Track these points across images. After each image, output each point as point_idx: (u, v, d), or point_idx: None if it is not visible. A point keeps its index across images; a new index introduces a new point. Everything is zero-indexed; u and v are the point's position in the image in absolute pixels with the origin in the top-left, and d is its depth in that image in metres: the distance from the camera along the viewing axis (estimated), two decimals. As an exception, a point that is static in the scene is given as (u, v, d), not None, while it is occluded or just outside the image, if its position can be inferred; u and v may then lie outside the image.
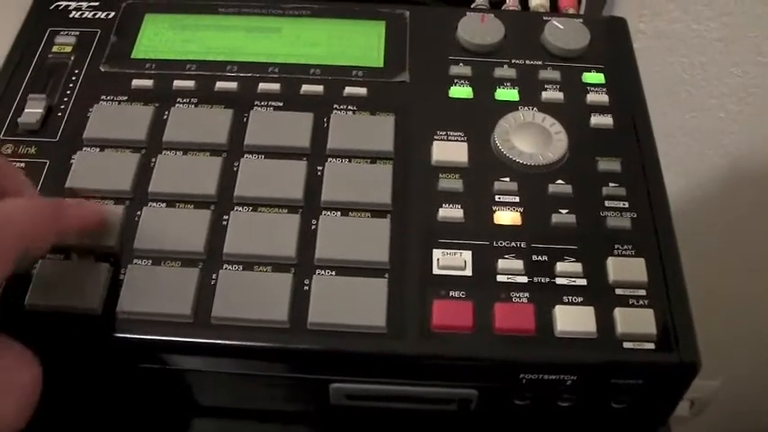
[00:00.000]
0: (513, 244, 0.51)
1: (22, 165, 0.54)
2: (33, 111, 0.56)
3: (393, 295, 0.49)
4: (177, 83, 0.58)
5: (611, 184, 0.54)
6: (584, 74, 0.60)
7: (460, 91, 0.59)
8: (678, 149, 1.04)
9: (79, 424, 0.56)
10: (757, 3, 0.86)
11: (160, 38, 0.61)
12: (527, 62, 0.61)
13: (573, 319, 0.48)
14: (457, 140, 0.56)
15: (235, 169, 0.53)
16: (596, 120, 0.57)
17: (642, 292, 0.50)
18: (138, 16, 0.63)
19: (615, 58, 0.62)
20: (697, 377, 0.49)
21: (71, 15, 0.63)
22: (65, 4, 0.63)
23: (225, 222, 0.51)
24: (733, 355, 1.28)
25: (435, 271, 0.50)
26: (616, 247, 0.51)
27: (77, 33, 0.62)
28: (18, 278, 0.49)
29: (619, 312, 0.48)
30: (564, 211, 0.53)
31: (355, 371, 0.49)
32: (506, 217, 0.52)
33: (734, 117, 1.00)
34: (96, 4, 0.63)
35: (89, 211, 0.51)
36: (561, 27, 0.62)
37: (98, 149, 0.54)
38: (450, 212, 0.52)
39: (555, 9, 0.70)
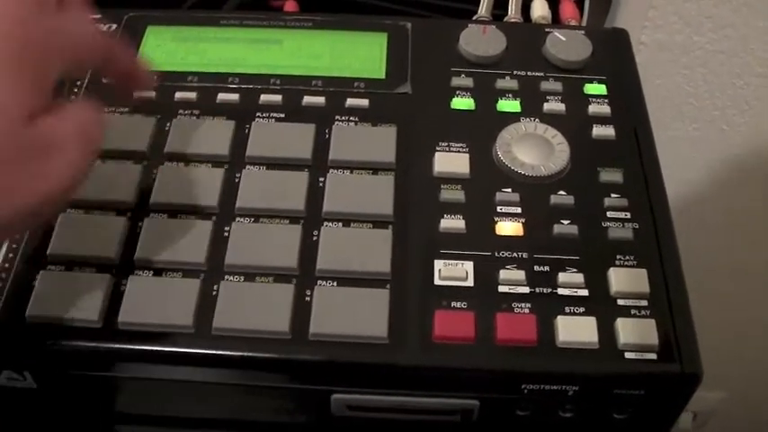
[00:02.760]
0: (515, 255, 0.51)
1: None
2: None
3: (395, 306, 0.49)
4: (179, 94, 0.58)
5: (612, 195, 0.54)
6: (586, 85, 0.60)
7: (462, 102, 0.59)
8: (681, 161, 1.04)
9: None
10: (759, 15, 0.86)
11: (162, 50, 0.62)
12: (529, 74, 0.61)
13: (575, 330, 0.48)
14: (459, 151, 0.56)
15: (236, 180, 0.54)
16: (598, 131, 0.57)
17: (644, 303, 0.49)
18: (141, 28, 0.63)
19: (617, 69, 0.62)
20: (700, 389, 0.49)
21: (74, 27, 0.63)
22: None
23: (226, 233, 0.51)
24: (736, 367, 1.28)
25: (437, 282, 0.50)
26: (618, 257, 0.51)
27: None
28: (19, 290, 0.49)
29: (620, 323, 0.48)
30: (566, 222, 0.52)
31: (357, 382, 0.49)
32: (508, 228, 0.52)
33: (737, 129, 1.00)
34: (99, 16, 0.63)
35: (139, 69, 0.51)
36: (563, 39, 0.62)
37: (100, 160, 0.54)
38: (452, 223, 0.52)
39: (557, 21, 0.70)
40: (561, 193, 0.54)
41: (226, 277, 0.50)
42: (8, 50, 0.39)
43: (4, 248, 0.51)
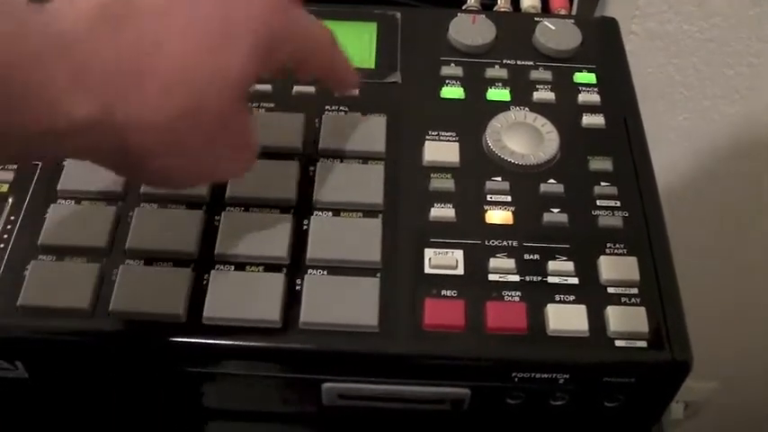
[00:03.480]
0: (505, 243, 0.51)
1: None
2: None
3: (385, 295, 0.49)
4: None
5: (602, 184, 0.54)
6: (576, 74, 0.61)
7: (452, 91, 0.59)
8: (673, 150, 1.04)
9: (69, 426, 0.56)
10: (748, 3, 0.86)
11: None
12: (518, 62, 0.61)
13: (565, 318, 0.48)
14: (448, 140, 0.56)
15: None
16: (588, 119, 0.58)
17: (634, 291, 0.50)
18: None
19: (606, 58, 0.62)
20: (691, 379, 0.49)
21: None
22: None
23: (217, 223, 0.51)
24: (728, 357, 1.28)
25: (427, 270, 0.50)
26: (608, 245, 0.51)
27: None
28: (11, 279, 0.49)
29: (611, 311, 0.48)
30: (555, 211, 0.53)
31: (347, 370, 0.49)
32: (498, 216, 0.52)
33: (727, 118, 1.00)
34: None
35: (351, 75, 0.52)
36: (553, 28, 0.62)
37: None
38: (442, 212, 0.52)
39: (546, 10, 0.70)
40: (551, 181, 0.54)
41: (216, 266, 0.50)
42: (254, 19, 0.41)
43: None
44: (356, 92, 0.58)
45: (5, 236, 0.51)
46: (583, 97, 0.59)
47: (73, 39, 0.37)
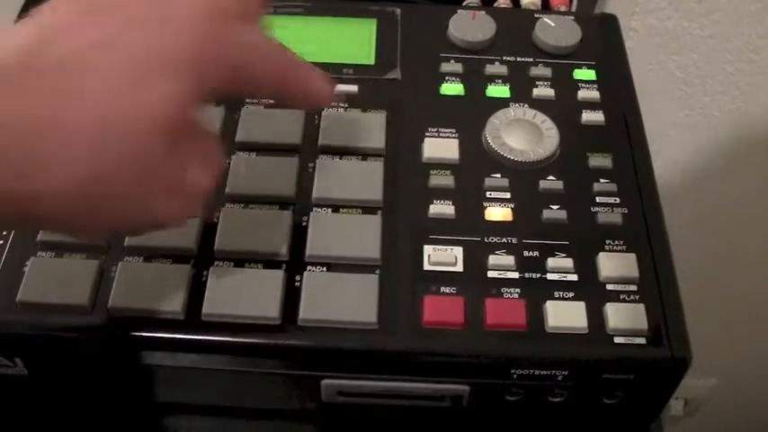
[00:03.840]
0: (505, 240, 0.51)
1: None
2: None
3: (384, 291, 0.49)
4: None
5: (601, 180, 0.54)
6: (576, 71, 0.61)
7: (452, 88, 0.59)
8: (673, 147, 1.04)
9: (68, 422, 0.56)
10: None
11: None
12: (518, 59, 0.61)
13: (564, 315, 0.48)
14: (448, 137, 0.56)
15: (226, 166, 0.53)
16: (587, 116, 0.58)
17: (633, 288, 0.50)
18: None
19: (606, 54, 0.62)
20: (691, 376, 0.49)
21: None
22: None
23: (216, 219, 0.51)
24: (728, 354, 1.29)
25: (426, 267, 0.50)
26: (607, 242, 0.51)
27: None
28: (11, 275, 0.49)
29: (610, 307, 0.48)
30: (555, 207, 0.53)
31: (347, 367, 0.49)
32: (497, 213, 0.52)
33: (728, 114, 1.00)
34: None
35: (319, 87, 0.46)
36: (552, 24, 0.62)
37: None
38: (442, 209, 0.52)
39: (546, 6, 0.70)
40: (550, 178, 0.54)
41: (216, 263, 0.50)
42: (178, 49, 0.38)
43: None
44: (355, 89, 0.58)
45: (4, 232, 0.51)
46: (582, 94, 0.59)
47: None
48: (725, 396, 1.49)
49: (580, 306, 0.49)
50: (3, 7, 0.63)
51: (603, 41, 0.63)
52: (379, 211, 0.52)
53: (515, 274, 0.50)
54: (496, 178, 0.54)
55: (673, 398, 0.51)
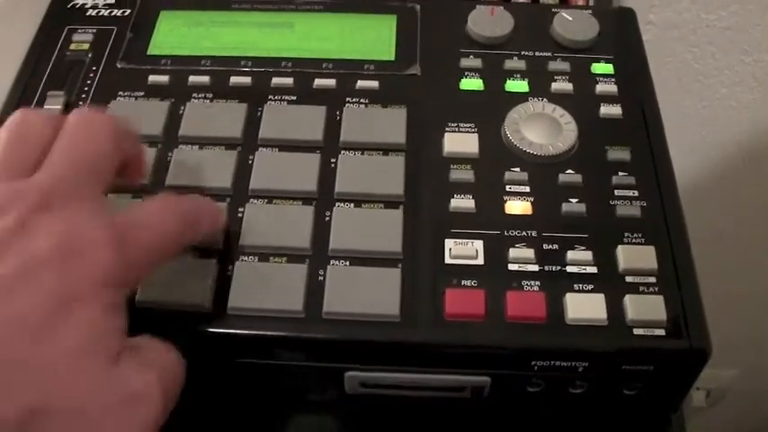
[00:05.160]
0: (524, 233, 0.52)
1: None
2: (52, 107, 0.57)
3: (406, 284, 0.49)
4: (192, 78, 0.59)
5: (620, 173, 0.54)
6: (594, 65, 0.61)
7: (471, 83, 0.59)
8: (690, 139, 1.04)
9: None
10: (766, -9, 0.86)
11: (175, 34, 0.62)
12: (536, 54, 0.61)
13: (584, 307, 0.49)
14: (468, 132, 0.56)
15: (249, 162, 0.54)
16: (605, 110, 0.58)
17: (652, 280, 0.50)
18: (154, 13, 0.63)
19: (624, 48, 0.62)
20: (713, 367, 0.49)
21: (88, 14, 0.64)
22: (82, 2, 0.64)
23: (240, 214, 0.52)
24: (750, 344, 1.29)
25: (447, 260, 0.51)
26: (626, 235, 0.52)
27: (94, 31, 0.62)
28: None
29: (629, 299, 0.49)
30: (574, 201, 0.53)
31: (369, 359, 0.50)
32: (517, 206, 0.53)
33: (745, 105, 1.00)
34: (112, 2, 0.64)
35: (213, 210, 0.50)
36: (570, 19, 0.63)
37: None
38: (462, 203, 0.53)
39: (564, 1, 0.71)
40: (569, 171, 0.54)
41: (241, 258, 0.50)
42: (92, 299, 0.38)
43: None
44: (376, 85, 0.58)
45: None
46: (600, 87, 0.59)
47: None
48: (747, 387, 1.49)
49: (599, 298, 0.49)
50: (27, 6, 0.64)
51: (621, 35, 0.63)
52: (401, 206, 0.53)
53: (535, 267, 0.50)
54: (516, 172, 0.54)
55: (694, 389, 0.52)
